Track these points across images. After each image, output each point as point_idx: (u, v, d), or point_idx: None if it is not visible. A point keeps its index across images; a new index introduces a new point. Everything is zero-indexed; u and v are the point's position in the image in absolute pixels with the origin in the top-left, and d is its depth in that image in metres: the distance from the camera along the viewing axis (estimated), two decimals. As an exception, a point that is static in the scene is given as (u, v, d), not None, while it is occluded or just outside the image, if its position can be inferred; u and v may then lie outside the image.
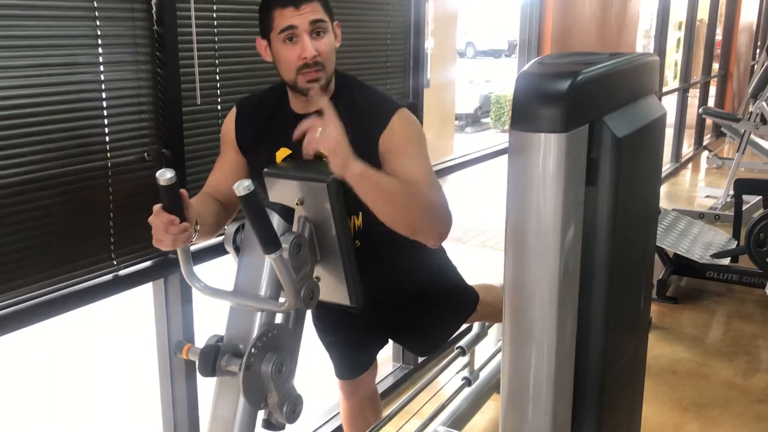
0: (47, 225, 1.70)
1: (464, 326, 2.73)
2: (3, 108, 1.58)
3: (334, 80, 1.69)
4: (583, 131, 1.26)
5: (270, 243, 1.40)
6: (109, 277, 1.84)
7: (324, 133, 1.45)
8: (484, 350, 2.86)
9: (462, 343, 2.58)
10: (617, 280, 1.41)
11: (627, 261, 1.49)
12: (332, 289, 1.75)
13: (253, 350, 1.47)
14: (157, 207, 1.41)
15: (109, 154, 1.79)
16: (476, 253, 5.54)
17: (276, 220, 1.54)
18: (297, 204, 1.65)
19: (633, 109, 1.46)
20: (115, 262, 1.85)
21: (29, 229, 1.67)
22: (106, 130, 1.78)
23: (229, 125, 1.78)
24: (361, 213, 1.71)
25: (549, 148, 1.22)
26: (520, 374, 1.36)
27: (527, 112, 1.23)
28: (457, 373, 2.75)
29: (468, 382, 2.59)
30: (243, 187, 1.34)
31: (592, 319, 1.38)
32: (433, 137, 8.11)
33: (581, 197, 1.30)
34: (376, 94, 1.73)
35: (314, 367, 2.68)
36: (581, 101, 1.23)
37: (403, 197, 1.55)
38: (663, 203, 6.44)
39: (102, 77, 1.75)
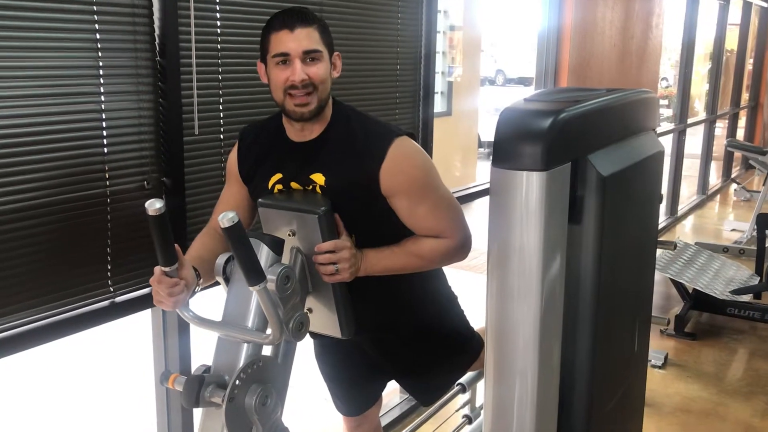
0: (46, 251, 1.72)
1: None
2: (5, 136, 1.62)
3: (332, 110, 1.70)
4: (565, 169, 1.25)
5: (254, 275, 1.40)
6: (106, 303, 1.86)
7: (341, 270, 1.61)
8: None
9: (462, 380, 2.54)
10: (605, 320, 1.39)
11: (616, 299, 1.47)
12: (324, 321, 1.75)
13: (237, 382, 1.46)
14: (157, 268, 1.46)
15: (108, 182, 1.81)
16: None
17: (265, 251, 1.54)
18: (289, 235, 1.66)
19: (623, 146, 1.44)
20: (111, 289, 1.86)
21: (28, 254, 1.69)
22: (106, 158, 1.80)
23: (232, 157, 1.80)
24: (354, 235, 1.70)
25: (530, 186, 1.22)
26: (503, 416, 1.34)
27: (508, 149, 1.23)
28: (457, 410, 2.70)
29: (468, 420, 2.55)
30: (227, 219, 1.35)
31: (576, 360, 1.35)
32: (457, 166, 8.12)
33: (564, 235, 1.28)
34: (374, 124, 1.72)
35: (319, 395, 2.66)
36: (562, 139, 1.23)
37: (415, 268, 1.73)
38: (687, 237, 6.34)
39: (103, 107, 1.78)
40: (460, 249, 1.73)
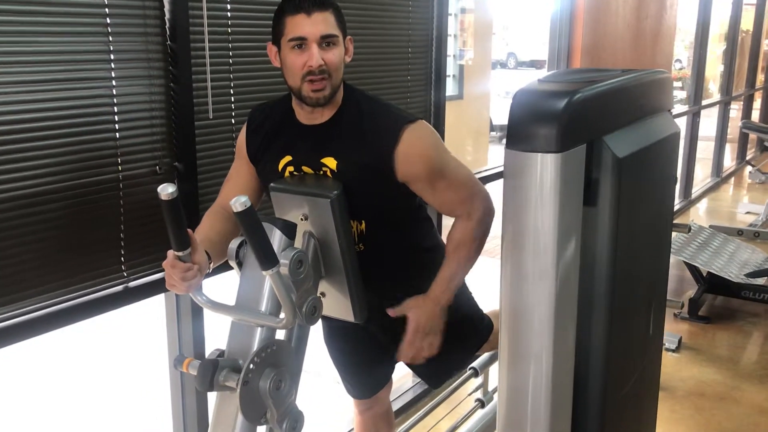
0: (59, 236, 1.72)
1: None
2: (18, 122, 1.61)
3: (342, 93, 1.69)
4: (580, 151, 1.23)
5: (267, 259, 1.40)
6: (120, 288, 1.86)
7: (431, 344, 1.74)
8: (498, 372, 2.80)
9: (475, 364, 2.54)
10: (620, 303, 1.38)
11: (631, 282, 1.45)
12: (337, 305, 1.75)
13: (251, 366, 1.46)
14: (170, 252, 1.45)
15: (120, 167, 1.81)
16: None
17: (277, 235, 1.53)
18: (301, 219, 1.66)
19: (638, 127, 1.42)
20: (125, 274, 1.87)
21: (41, 240, 1.70)
22: (118, 144, 1.80)
23: (242, 136, 1.80)
24: (364, 221, 1.70)
25: (545, 169, 1.20)
26: (517, 399, 1.33)
27: (522, 131, 1.21)
28: (470, 394, 2.71)
29: (481, 404, 2.55)
30: (239, 203, 1.34)
31: (591, 343, 1.35)
32: (468, 150, 8.09)
33: (579, 218, 1.27)
34: (385, 109, 1.71)
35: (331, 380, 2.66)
36: (577, 121, 1.21)
37: (470, 259, 1.76)
38: (702, 219, 6.29)
39: (114, 92, 1.77)
40: (488, 212, 1.75)
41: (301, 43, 1.57)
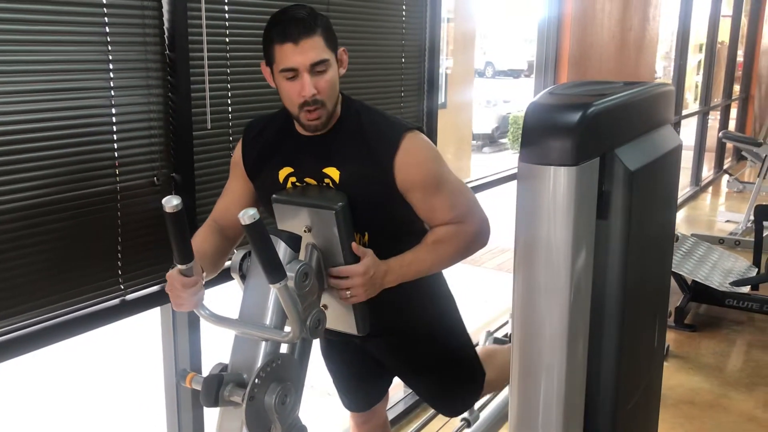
0: (55, 249, 1.69)
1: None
2: (14, 132, 1.58)
3: (340, 105, 1.68)
4: (593, 164, 1.23)
5: (274, 272, 1.38)
6: (116, 301, 1.83)
7: (354, 296, 1.61)
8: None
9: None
10: (630, 314, 1.38)
11: (640, 294, 1.46)
12: (340, 317, 1.73)
13: (256, 381, 1.44)
14: (173, 272, 1.44)
15: (118, 178, 1.78)
16: (491, 277, 5.48)
17: (282, 248, 1.51)
18: (305, 231, 1.64)
19: (647, 140, 1.43)
20: (122, 287, 1.84)
21: (37, 253, 1.66)
22: (116, 154, 1.77)
23: (237, 151, 1.78)
24: (367, 233, 1.69)
25: (559, 182, 1.20)
26: (528, 412, 1.33)
27: (537, 144, 1.21)
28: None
29: (467, 423, 2.53)
30: (248, 216, 1.32)
31: (603, 356, 1.34)
32: (450, 158, 8.10)
33: (592, 231, 1.27)
34: (384, 118, 1.71)
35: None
36: (592, 134, 1.21)
37: (441, 261, 1.71)
38: (682, 228, 6.36)
39: (113, 101, 1.74)
40: (480, 233, 1.73)
41: (292, 74, 1.56)
